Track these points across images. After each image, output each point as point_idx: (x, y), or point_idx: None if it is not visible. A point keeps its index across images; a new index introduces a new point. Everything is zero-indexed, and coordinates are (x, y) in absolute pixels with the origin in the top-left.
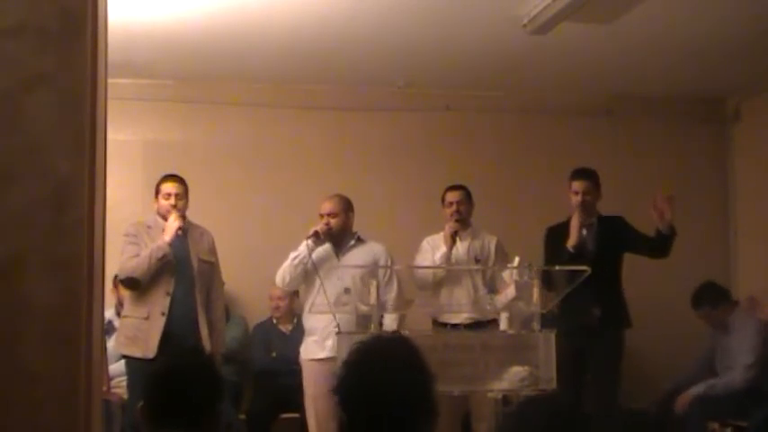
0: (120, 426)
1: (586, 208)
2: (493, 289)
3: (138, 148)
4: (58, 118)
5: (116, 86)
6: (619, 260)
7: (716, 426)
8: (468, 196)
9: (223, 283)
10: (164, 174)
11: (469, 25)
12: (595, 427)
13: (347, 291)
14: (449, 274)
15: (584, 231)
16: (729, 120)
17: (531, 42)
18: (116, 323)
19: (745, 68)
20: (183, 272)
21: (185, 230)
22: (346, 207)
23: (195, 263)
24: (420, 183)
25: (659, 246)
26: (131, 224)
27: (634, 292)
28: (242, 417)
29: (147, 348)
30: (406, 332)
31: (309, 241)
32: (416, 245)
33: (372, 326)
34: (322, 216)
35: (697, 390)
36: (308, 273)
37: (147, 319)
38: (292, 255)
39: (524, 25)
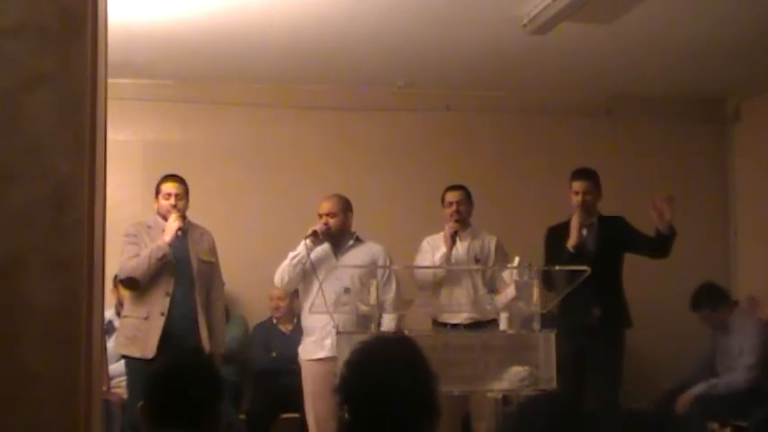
0: (120, 426)
1: (587, 208)
2: (493, 289)
3: (138, 148)
4: (58, 118)
5: (116, 86)
6: (619, 260)
7: (716, 426)
8: (468, 196)
9: (223, 284)
10: (164, 174)
11: (469, 25)
12: (596, 426)
13: (347, 290)
14: (449, 274)
15: (585, 231)
16: (729, 120)
17: (531, 42)
18: (116, 323)
19: (745, 68)
20: (182, 272)
21: (185, 231)
22: (345, 207)
23: (195, 263)
24: (420, 183)
25: (659, 246)
26: (131, 224)
27: (634, 292)
28: (242, 417)
29: (147, 348)
30: (405, 332)
31: (308, 241)
32: (416, 245)
33: (372, 326)
34: (321, 216)
35: (698, 390)
36: (307, 272)
37: (146, 319)
38: (291, 254)
39: (524, 25)
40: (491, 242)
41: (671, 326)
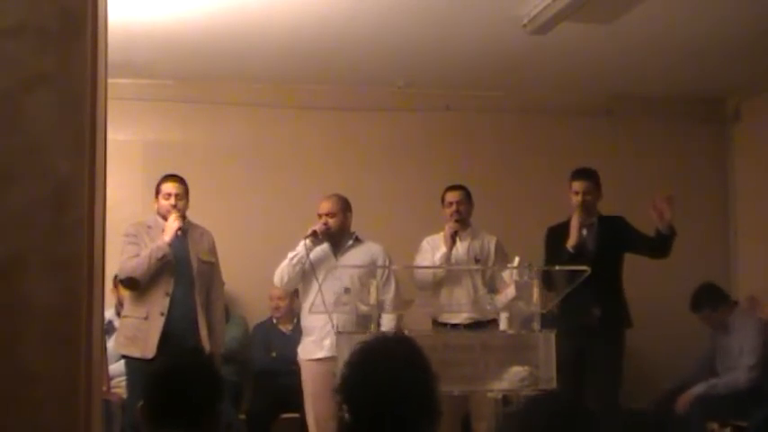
0: (120, 426)
1: (587, 208)
2: (493, 289)
3: (138, 148)
4: (58, 118)
5: (116, 86)
6: (619, 260)
7: (716, 426)
8: (467, 196)
9: (223, 284)
10: (164, 174)
11: (469, 25)
12: (596, 426)
13: (347, 291)
14: (449, 275)
15: (585, 231)
16: (729, 120)
17: (531, 42)
18: (116, 323)
19: (745, 68)
20: (182, 272)
21: (185, 231)
22: (344, 207)
23: (195, 263)
24: (420, 183)
25: (659, 246)
26: (131, 224)
27: (634, 292)
28: (242, 417)
29: (146, 348)
30: (405, 332)
31: (307, 241)
32: (416, 245)
33: (372, 326)
34: (320, 216)
35: (698, 390)
36: (307, 272)
37: (146, 319)
38: (290, 254)
39: (524, 25)
40: (491, 242)
41: (671, 326)
